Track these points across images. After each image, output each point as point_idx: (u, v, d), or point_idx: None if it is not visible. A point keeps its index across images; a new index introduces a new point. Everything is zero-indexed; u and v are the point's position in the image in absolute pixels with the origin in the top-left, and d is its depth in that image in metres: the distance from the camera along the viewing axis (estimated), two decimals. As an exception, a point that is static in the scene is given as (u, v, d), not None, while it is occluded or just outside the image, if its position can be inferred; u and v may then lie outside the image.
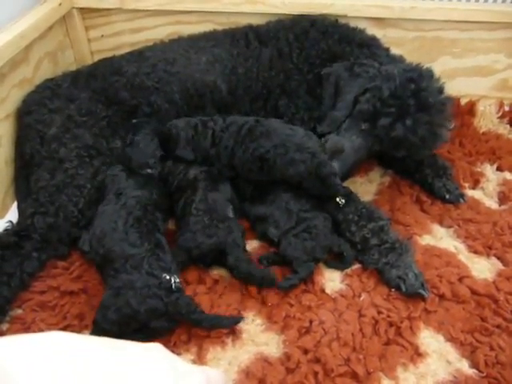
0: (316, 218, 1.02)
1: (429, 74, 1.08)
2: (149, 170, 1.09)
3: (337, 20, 1.29)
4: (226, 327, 0.89)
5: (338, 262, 1.03)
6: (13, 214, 1.11)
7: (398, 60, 1.21)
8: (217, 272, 1.01)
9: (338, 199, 1.04)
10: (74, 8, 1.39)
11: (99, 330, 0.84)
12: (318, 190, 1.04)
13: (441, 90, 1.08)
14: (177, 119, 1.20)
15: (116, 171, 1.08)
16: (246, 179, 1.12)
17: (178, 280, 0.92)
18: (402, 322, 0.91)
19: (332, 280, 1.00)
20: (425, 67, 1.11)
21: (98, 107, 1.16)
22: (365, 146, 1.11)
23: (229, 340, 0.89)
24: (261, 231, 1.07)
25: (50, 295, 0.95)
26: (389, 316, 0.92)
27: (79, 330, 0.90)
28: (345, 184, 1.17)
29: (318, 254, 1.00)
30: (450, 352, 0.88)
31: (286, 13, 1.38)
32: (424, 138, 1.04)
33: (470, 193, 1.25)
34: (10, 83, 1.13)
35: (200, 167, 1.11)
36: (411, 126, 1.03)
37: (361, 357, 0.86)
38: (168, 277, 0.89)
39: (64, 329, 0.90)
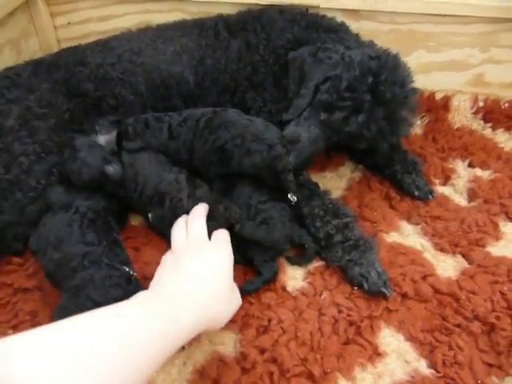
0: (273, 209, 1.00)
1: (393, 64, 1.04)
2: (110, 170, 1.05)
3: (307, 9, 1.26)
4: None
5: (300, 257, 1.02)
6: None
7: (367, 45, 1.17)
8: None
9: (289, 195, 1.01)
10: (37, -6, 1.34)
11: None
12: (273, 183, 1.03)
13: (404, 82, 1.04)
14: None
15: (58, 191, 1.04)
16: (207, 173, 1.10)
17: (135, 273, 0.91)
18: (362, 321, 0.90)
19: (294, 278, 0.99)
20: (392, 54, 1.07)
21: (60, 99, 1.12)
22: (323, 137, 1.08)
23: (185, 340, 0.87)
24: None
25: (2, 292, 0.92)
26: (349, 315, 0.91)
27: (32, 327, 0.88)
28: (314, 178, 1.16)
29: (282, 246, 0.98)
30: (409, 352, 0.87)
31: (259, 3, 1.34)
32: (381, 132, 1.02)
33: (439, 189, 1.23)
34: (-34, 72, 1.09)
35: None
36: (365, 122, 1.00)
37: (318, 357, 0.84)
38: (127, 269, 0.89)
39: (15, 326, 0.88)
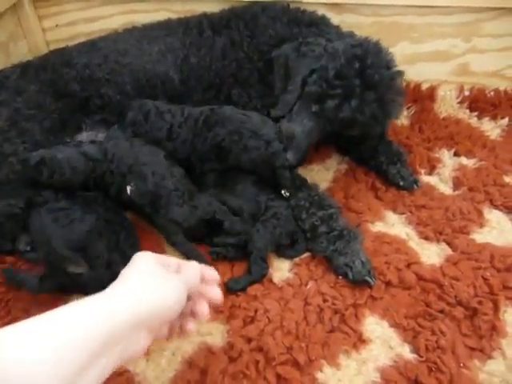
0: (281, 207, 1.03)
1: (375, 49, 1.07)
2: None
3: (288, 4, 1.28)
4: None
5: (288, 249, 1.04)
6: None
7: (348, 35, 1.19)
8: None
9: (283, 191, 1.04)
10: (24, -3, 1.36)
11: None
12: (268, 178, 1.05)
13: (389, 65, 1.07)
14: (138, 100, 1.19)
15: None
16: (202, 169, 1.12)
17: None
18: (346, 310, 0.92)
19: (280, 269, 1.01)
20: (373, 41, 1.10)
21: (47, 100, 1.15)
22: (317, 129, 1.10)
23: (173, 331, 0.89)
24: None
25: (-5, 290, 0.95)
26: (334, 304, 0.93)
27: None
28: (301, 171, 1.18)
29: (283, 241, 1.01)
30: (393, 338, 0.89)
31: (243, 0, 1.36)
32: (374, 115, 1.05)
33: (425, 179, 1.25)
34: (-44, 76, 1.11)
35: None
36: (358, 106, 1.03)
37: (303, 345, 0.87)
38: None
39: (9, 323, 0.90)
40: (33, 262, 0.98)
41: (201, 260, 0.92)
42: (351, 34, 1.21)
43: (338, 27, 1.25)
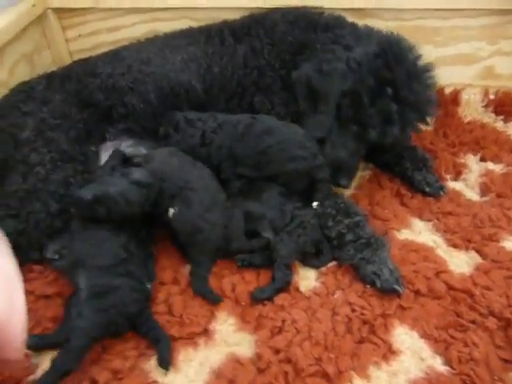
0: (307, 215, 1.03)
1: (398, 53, 1.07)
2: None
3: (308, 9, 1.27)
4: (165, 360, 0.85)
5: (314, 259, 1.03)
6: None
7: (365, 34, 1.17)
8: (192, 272, 1.01)
9: (315, 204, 1.06)
10: (48, 8, 1.38)
11: (78, 336, 0.83)
12: (301, 189, 1.07)
13: (419, 73, 1.08)
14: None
15: None
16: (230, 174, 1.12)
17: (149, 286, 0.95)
18: (375, 320, 0.91)
19: (307, 278, 1.00)
20: (393, 43, 1.10)
21: (73, 110, 1.16)
22: (361, 147, 1.14)
23: (201, 341, 0.89)
24: (250, 228, 1.05)
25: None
26: (362, 314, 0.92)
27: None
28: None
29: (308, 249, 1.01)
30: (424, 349, 0.87)
31: (265, 7, 1.36)
32: (414, 128, 1.10)
33: (451, 185, 1.23)
34: (-16, 88, 1.13)
35: None
36: (400, 130, 1.06)
37: (332, 356, 0.85)
38: (149, 286, 0.93)
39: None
40: (60, 270, 0.99)
41: (214, 300, 0.94)
42: (368, 33, 1.18)
43: (353, 26, 1.23)
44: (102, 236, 0.96)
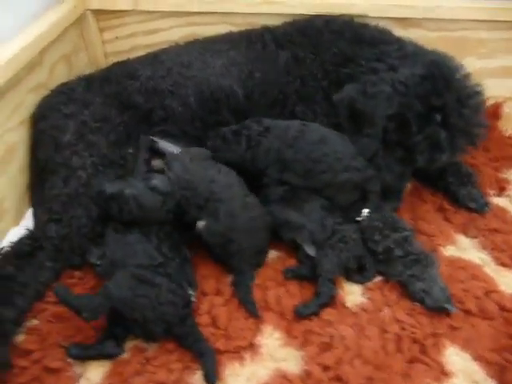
0: (349, 230, 1.01)
1: (448, 76, 1.05)
2: None
3: (352, 18, 1.25)
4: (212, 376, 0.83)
5: (357, 275, 1.00)
6: (28, 221, 1.09)
7: (411, 54, 1.14)
8: (235, 284, 0.99)
9: (366, 210, 1.04)
10: (88, 10, 1.37)
11: (105, 295, 0.84)
12: (347, 203, 1.05)
13: (468, 99, 1.05)
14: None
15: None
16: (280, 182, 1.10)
17: (195, 300, 0.92)
18: (426, 339, 0.88)
19: (352, 293, 0.97)
20: (442, 65, 1.07)
21: (112, 112, 1.14)
22: (407, 170, 1.12)
23: (247, 355, 0.86)
24: (288, 237, 1.04)
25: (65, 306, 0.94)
26: (412, 332, 0.89)
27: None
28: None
29: (350, 265, 0.98)
30: (477, 371, 0.84)
31: (304, 13, 1.34)
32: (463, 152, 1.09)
33: (495, 200, 1.20)
34: (26, 88, 1.12)
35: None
36: (449, 157, 1.05)
37: (384, 376, 0.83)
38: (192, 293, 0.91)
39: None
40: (101, 275, 0.97)
41: (254, 314, 0.92)
42: (415, 51, 1.16)
43: (399, 42, 1.21)
44: (132, 238, 0.96)
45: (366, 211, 1.03)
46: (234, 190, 1.03)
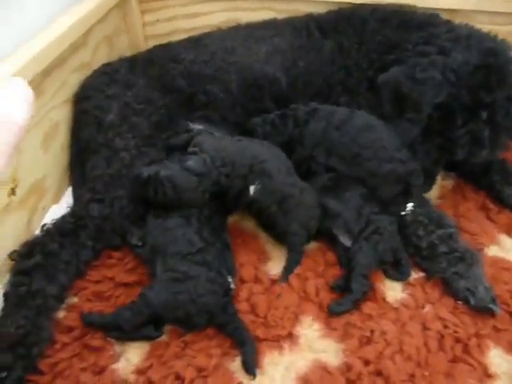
0: (384, 221, 0.98)
1: (505, 67, 1.01)
2: None
3: (399, 6, 1.21)
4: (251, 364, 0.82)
5: (396, 272, 0.98)
6: (67, 200, 1.10)
7: (463, 35, 1.09)
8: (275, 272, 0.98)
9: (410, 204, 1.01)
10: (131, -9, 1.36)
11: (143, 303, 0.83)
12: (391, 197, 1.02)
13: None
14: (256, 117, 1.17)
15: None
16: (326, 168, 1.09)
17: (233, 287, 0.91)
18: (469, 339, 0.86)
19: (393, 289, 0.95)
20: (499, 63, 1.01)
21: (155, 95, 1.14)
22: (443, 157, 1.09)
23: (286, 344, 0.86)
24: (325, 227, 1.02)
25: (104, 285, 0.94)
26: (455, 331, 0.87)
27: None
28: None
29: (386, 258, 0.96)
30: (522, 375, 0.82)
31: (351, 2, 1.30)
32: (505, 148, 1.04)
33: (541, 202, 1.16)
34: (70, 67, 1.12)
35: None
36: (490, 152, 1.02)
37: (426, 373, 0.81)
38: (230, 280, 0.89)
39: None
40: (142, 257, 0.97)
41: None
42: (467, 33, 1.10)
43: (449, 24, 1.16)
44: (173, 223, 0.95)
45: (410, 205, 1.00)
46: (273, 151, 1.04)
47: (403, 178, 1.01)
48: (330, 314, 0.90)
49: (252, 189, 0.99)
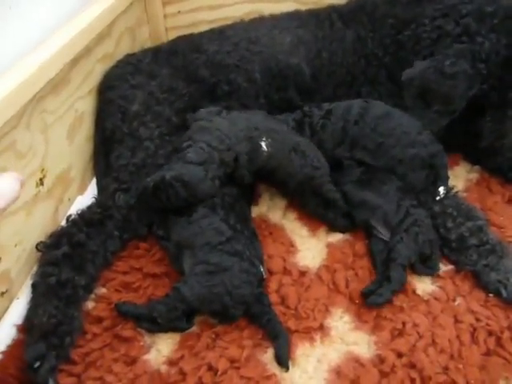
0: (421, 214, 0.97)
1: None
2: None
3: None
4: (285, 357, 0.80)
5: (424, 266, 0.97)
6: (92, 191, 1.10)
7: (488, 13, 1.04)
8: (303, 263, 0.97)
9: (442, 188, 0.99)
10: (152, -18, 1.36)
11: (177, 298, 0.82)
12: (421, 183, 1.00)
13: None
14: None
15: None
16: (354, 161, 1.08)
17: (265, 276, 0.90)
18: (502, 332, 0.85)
19: (423, 281, 0.94)
20: None
21: (179, 84, 1.14)
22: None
23: (317, 336, 0.85)
24: (362, 219, 1.01)
25: (133, 276, 0.94)
26: (488, 324, 0.86)
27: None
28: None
29: (425, 249, 0.95)
30: (555, 369, 0.81)
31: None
32: None
33: None
34: (95, 57, 1.12)
35: None
36: None
37: (460, 366, 0.80)
38: (263, 270, 0.88)
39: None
40: (167, 249, 0.96)
41: None
42: (495, 11, 1.04)
43: None
44: (197, 215, 0.93)
45: (441, 189, 0.99)
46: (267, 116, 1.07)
47: (428, 161, 1.00)
48: (368, 305, 0.89)
49: (264, 144, 0.97)
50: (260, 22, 1.25)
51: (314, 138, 1.08)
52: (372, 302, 0.89)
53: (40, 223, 0.94)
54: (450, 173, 1.20)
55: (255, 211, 1.09)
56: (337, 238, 1.03)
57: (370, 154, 1.04)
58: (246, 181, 1.01)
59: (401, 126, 1.02)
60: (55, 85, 0.95)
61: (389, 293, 0.90)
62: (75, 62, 1.01)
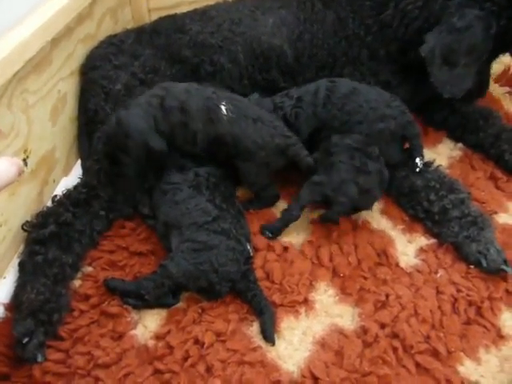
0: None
1: None
2: None
3: None
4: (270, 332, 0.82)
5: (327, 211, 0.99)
6: (77, 172, 1.10)
7: None
8: (286, 239, 0.98)
9: (417, 160, 1.00)
10: (134, -38, 1.34)
11: (164, 274, 0.83)
12: (396, 156, 1.01)
13: None
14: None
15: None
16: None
17: (252, 255, 0.91)
18: (482, 302, 0.87)
19: (405, 254, 0.97)
20: None
21: (162, 64, 1.13)
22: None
23: (302, 310, 0.87)
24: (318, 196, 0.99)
25: (119, 255, 0.94)
26: (468, 295, 0.88)
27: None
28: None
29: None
30: (534, 336, 0.84)
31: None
32: None
33: (549, 170, 1.17)
34: (76, 38, 1.10)
35: None
36: None
37: (441, 335, 0.83)
38: (249, 248, 0.89)
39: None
40: (153, 227, 0.97)
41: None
42: None
43: None
44: (182, 195, 0.93)
45: (418, 160, 0.99)
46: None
47: (399, 133, 1.00)
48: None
49: (224, 108, 0.96)
50: (243, 2, 1.24)
51: (290, 129, 1.05)
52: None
53: (25, 204, 0.94)
54: (433, 150, 1.24)
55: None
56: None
57: (337, 133, 1.02)
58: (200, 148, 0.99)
59: (368, 102, 1.02)
60: (36, 65, 0.94)
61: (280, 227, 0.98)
62: (56, 42, 1.00)
